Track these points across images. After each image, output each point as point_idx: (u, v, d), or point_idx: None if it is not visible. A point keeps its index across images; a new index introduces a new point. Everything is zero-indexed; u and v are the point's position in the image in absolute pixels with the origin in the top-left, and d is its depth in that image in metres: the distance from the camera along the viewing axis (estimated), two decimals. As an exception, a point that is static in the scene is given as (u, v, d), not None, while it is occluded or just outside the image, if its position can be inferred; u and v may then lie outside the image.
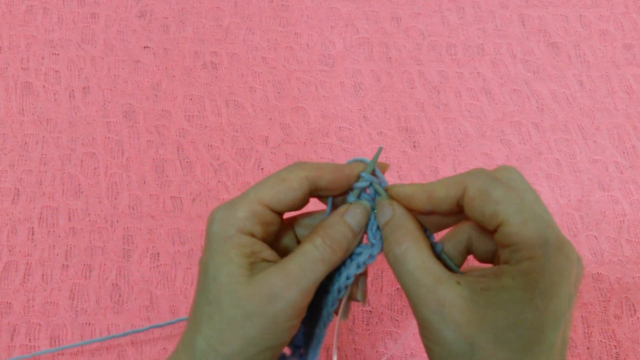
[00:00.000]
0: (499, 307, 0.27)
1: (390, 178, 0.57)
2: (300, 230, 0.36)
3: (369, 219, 0.34)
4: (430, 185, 0.32)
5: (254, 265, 0.31)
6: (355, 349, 0.50)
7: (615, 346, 0.51)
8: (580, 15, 0.68)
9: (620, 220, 0.56)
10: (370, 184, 0.34)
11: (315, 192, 0.33)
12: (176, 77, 0.61)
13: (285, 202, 0.32)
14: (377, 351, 0.49)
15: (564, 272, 0.28)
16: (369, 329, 0.50)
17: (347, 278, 0.34)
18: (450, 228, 0.35)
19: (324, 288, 0.35)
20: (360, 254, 0.34)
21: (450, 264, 0.33)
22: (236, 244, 0.31)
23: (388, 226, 0.32)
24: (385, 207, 0.33)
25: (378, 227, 0.34)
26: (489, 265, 0.32)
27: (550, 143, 0.60)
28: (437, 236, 0.35)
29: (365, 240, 0.35)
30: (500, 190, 0.29)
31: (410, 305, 0.30)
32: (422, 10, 0.67)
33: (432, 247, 0.33)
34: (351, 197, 0.34)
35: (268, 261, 0.32)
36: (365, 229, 0.35)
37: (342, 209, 0.33)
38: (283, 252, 0.34)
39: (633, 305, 0.52)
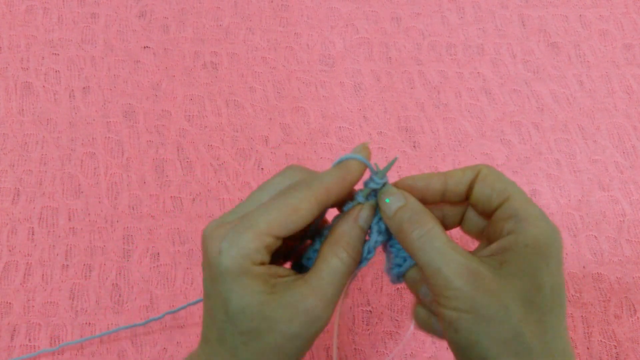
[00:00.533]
0: (522, 274, 0.30)
1: (390, 178, 0.57)
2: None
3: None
4: (448, 171, 0.34)
5: (274, 287, 0.31)
6: (355, 349, 0.50)
7: (615, 346, 0.51)
8: (580, 15, 0.68)
9: (620, 220, 0.56)
10: (384, 185, 0.35)
11: (325, 209, 0.34)
12: (176, 77, 0.61)
13: (295, 230, 0.31)
14: (377, 351, 0.50)
15: (561, 244, 0.32)
16: (369, 329, 0.50)
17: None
18: None
19: None
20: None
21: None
22: (254, 275, 0.30)
23: (402, 210, 0.33)
24: (395, 194, 0.34)
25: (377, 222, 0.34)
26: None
27: (550, 143, 0.60)
28: None
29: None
30: (505, 176, 0.34)
31: (436, 285, 0.30)
32: (422, 10, 0.67)
33: None
34: (360, 197, 0.34)
35: (282, 276, 0.32)
36: None
37: (354, 212, 0.34)
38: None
39: (633, 305, 0.52)
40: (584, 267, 0.54)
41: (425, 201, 0.34)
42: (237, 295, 0.30)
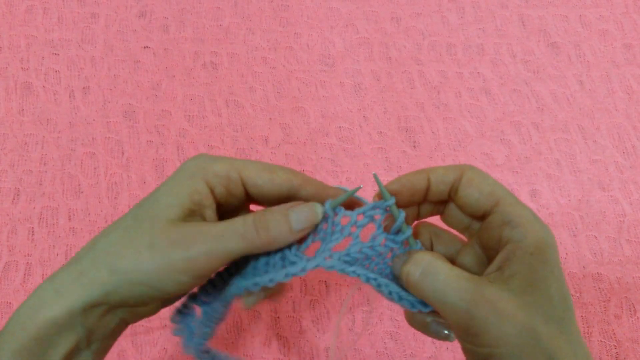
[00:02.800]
0: (532, 288, 0.29)
1: (390, 178, 0.57)
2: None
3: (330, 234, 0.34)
4: (430, 168, 0.34)
5: (192, 214, 0.32)
6: (355, 349, 0.50)
7: (615, 346, 0.51)
8: (580, 15, 0.68)
9: (620, 220, 0.56)
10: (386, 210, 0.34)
11: (292, 197, 0.34)
12: (176, 77, 0.61)
13: (260, 189, 0.33)
14: (377, 351, 0.50)
15: (556, 245, 0.31)
16: (369, 329, 0.50)
17: (271, 281, 0.32)
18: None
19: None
20: (294, 263, 0.32)
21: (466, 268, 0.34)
22: (193, 186, 0.32)
23: (398, 257, 0.33)
24: (400, 256, 0.34)
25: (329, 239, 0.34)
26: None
27: (550, 143, 0.60)
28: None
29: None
30: (492, 178, 0.32)
31: (453, 319, 0.30)
32: (422, 10, 0.67)
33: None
34: (328, 202, 0.33)
35: (204, 220, 0.32)
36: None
37: (294, 203, 0.33)
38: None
39: (633, 305, 0.52)
40: (584, 267, 0.54)
41: (411, 202, 0.34)
42: (166, 188, 0.32)
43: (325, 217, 0.33)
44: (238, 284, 0.33)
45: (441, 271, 0.30)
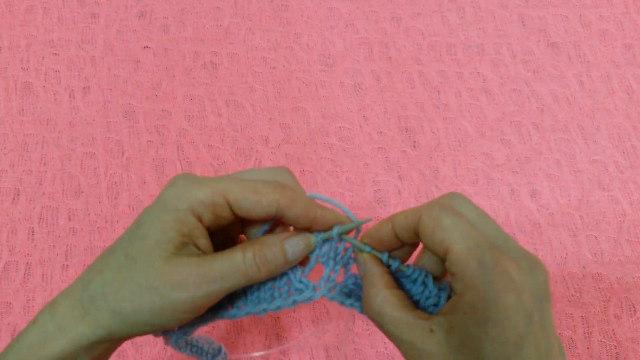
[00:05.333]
0: (464, 346, 0.28)
1: (390, 178, 0.57)
2: (250, 233, 0.36)
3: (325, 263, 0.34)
4: (394, 215, 0.33)
5: (184, 246, 0.31)
6: (355, 349, 0.50)
7: (615, 346, 0.51)
8: (580, 15, 0.68)
9: (620, 220, 0.56)
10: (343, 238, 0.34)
11: (279, 217, 0.33)
12: (176, 77, 0.61)
13: (247, 211, 0.32)
14: (377, 351, 0.49)
15: (509, 297, 0.28)
16: (369, 329, 0.50)
17: (278, 308, 0.33)
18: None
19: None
20: (301, 291, 0.34)
21: (437, 294, 0.33)
22: (179, 219, 0.31)
23: (363, 280, 0.33)
24: (358, 261, 0.34)
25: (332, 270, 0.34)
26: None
27: (550, 143, 0.60)
28: (413, 256, 0.36)
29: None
30: (449, 218, 0.30)
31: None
32: (422, 10, 0.67)
33: (408, 292, 0.33)
34: (335, 228, 0.34)
35: (199, 249, 0.32)
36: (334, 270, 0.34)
37: (287, 234, 0.33)
38: (221, 246, 0.34)
39: (633, 305, 0.52)
40: (584, 267, 0.54)
41: (388, 248, 0.34)
42: (151, 224, 0.31)
43: (329, 241, 0.34)
44: (244, 310, 0.34)
45: (389, 319, 0.30)
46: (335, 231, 0.33)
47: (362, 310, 0.34)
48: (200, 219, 0.32)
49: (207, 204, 0.31)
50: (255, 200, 0.32)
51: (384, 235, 0.33)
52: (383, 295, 0.31)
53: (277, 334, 0.50)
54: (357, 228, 0.34)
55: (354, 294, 0.35)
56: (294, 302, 0.33)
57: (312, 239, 0.33)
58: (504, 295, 0.28)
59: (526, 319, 0.28)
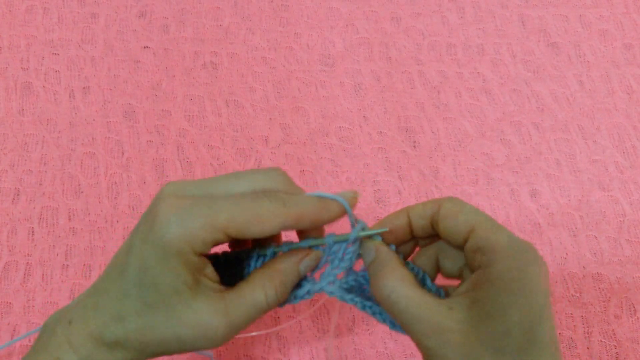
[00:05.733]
0: (489, 317, 0.29)
1: (390, 178, 0.57)
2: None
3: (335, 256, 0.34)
4: (409, 206, 0.34)
5: (198, 284, 0.31)
6: (355, 349, 0.50)
7: (615, 346, 0.51)
8: (580, 15, 0.68)
9: (620, 220, 0.56)
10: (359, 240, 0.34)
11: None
12: (176, 77, 0.61)
13: (250, 237, 0.31)
14: (377, 351, 0.49)
15: (536, 270, 0.29)
16: (369, 329, 0.50)
17: (281, 305, 0.34)
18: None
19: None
20: (301, 286, 0.34)
21: (436, 290, 0.35)
22: (186, 262, 0.30)
23: (372, 266, 0.33)
24: (368, 248, 0.34)
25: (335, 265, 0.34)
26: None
27: (550, 143, 0.60)
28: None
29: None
30: (470, 206, 0.32)
31: (412, 338, 0.31)
32: (422, 10, 0.67)
33: (417, 277, 0.34)
34: (330, 239, 0.34)
35: (209, 279, 0.31)
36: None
37: (301, 254, 0.34)
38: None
39: (633, 305, 0.52)
40: (584, 267, 0.54)
41: (397, 240, 0.34)
42: (158, 270, 0.29)
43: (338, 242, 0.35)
44: None
45: (402, 298, 0.31)
46: (353, 235, 0.34)
47: (362, 307, 0.34)
48: (202, 254, 0.31)
49: (210, 242, 0.30)
50: (258, 230, 0.30)
51: (397, 225, 0.34)
52: (400, 272, 0.32)
53: (277, 333, 0.50)
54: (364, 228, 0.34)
55: (354, 289, 0.35)
56: (296, 298, 0.34)
57: (320, 253, 0.34)
58: (532, 266, 0.29)
59: (545, 294, 0.29)
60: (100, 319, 0.31)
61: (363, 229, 0.34)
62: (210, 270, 0.32)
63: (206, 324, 0.30)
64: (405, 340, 0.50)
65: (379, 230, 0.34)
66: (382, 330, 0.50)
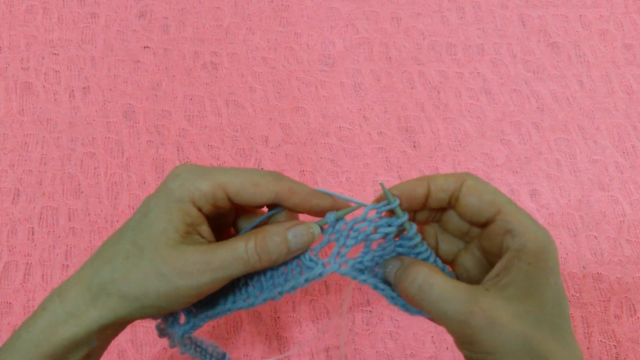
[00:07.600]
0: (527, 295, 0.30)
1: (390, 178, 0.57)
2: (242, 224, 0.37)
3: (349, 236, 0.34)
4: (431, 176, 0.34)
5: (189, 235, 0.33)
6: (355, 349, 0.50)
7: (615, 346, 0.51)
8: (580, 15, 0.68)
9: (620, 220, 0.56)
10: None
11: (279, 203, 0.35)
12: (176, 77, 0.61)
13: (246, 201, 0.34)
14: (377, 351, 0.49)
15: (555, 249, 0.32)
16: (369, 329, 0.50)
17: (292, 288, 0.34)
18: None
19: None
20: (311, 269, 0.34)
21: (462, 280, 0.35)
22: (183, 210, 0.32)
23: (400, 270, 0.34)
24: (392, 261, 0.35)
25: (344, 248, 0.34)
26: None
27: (550, 143, 0.60)
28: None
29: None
30: (491, 186, 0.33)
31: (451, 328, 0.31)
32: (422, 10, 0.67)
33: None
34: (330, 216, 0.34)
35: (201, 236, 0.34)
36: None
37: (292, 223, 0.34)
38: (216, 230, 0.36)
39: (633, 305, 0.52)
40: (584, 267, 0.54)
41: (410, 208, 0.35)
42: (157, 213, 0.32)
43: (343, 219, 0.35)
44: (261, 297, 0.35)
45: (436, 284, 0.31)
46: (332, 217, 0.34)
47: (374, 287, 0.35)
48: (200, 209, 0.33)
49: (209, 196, 0.33)
50: (253, 193, 0.33)
51: (417, 193, 0.34)
52: (427, 265, 0.33)
53: (277, 333, 0.50)
54: (392, 210, 0.34)
55: (368, 270, 0.35)
56: (306, 280, 0.34)
57: (316, 228, 0.34)
58: (552, 246, 0.31)
59: (559, 271, 0.32)
60: (93, 265, 0.33)
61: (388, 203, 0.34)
62: (205, 228, 0.34)
63: (186, 260, 0.32)
64: (405, 340, 0.50)
65: (353, 208, 0.35)
66: (382, 330, 0.50)
